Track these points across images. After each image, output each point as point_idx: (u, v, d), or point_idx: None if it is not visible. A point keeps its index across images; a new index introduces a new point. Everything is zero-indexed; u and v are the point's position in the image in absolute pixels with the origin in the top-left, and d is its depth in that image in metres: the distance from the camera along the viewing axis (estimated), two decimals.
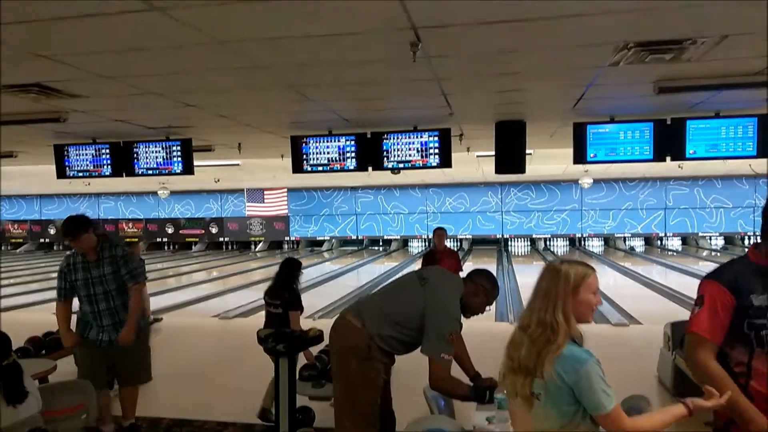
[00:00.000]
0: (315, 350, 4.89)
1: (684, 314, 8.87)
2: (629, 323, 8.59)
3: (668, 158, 5.77)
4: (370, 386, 3.14)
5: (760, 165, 9.81)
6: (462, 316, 3.16)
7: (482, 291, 3.22)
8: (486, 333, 6.79)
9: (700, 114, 5.62)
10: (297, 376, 4.20)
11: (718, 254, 20.11)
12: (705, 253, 20.69)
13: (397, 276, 3.81)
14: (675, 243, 21.95)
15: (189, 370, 6.46)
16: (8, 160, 8.36)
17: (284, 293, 4.92)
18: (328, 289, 12.91)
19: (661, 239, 21.92)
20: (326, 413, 4.26)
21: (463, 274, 3.44)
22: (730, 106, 5.40)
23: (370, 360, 3.11)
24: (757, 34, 3.31)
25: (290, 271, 5.02)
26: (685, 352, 2.42)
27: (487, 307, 3.27)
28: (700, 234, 21.20)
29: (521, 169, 6.25)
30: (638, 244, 22.05)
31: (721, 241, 21.65)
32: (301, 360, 4.56)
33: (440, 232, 7.33)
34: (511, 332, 2.25)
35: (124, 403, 4.48)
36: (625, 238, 21.89)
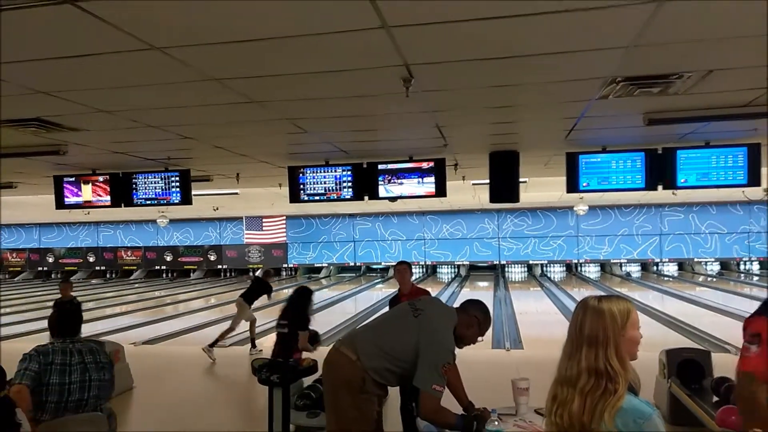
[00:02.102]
0: (309, 380, 4.88)
1: (680, 341, 8.87)
2: None
3: (660, 187, 5.84)
4: (364, 420, 3.11)
5: (753, 191, 9.91)
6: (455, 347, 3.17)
7: (475, 322, 3.22)
8: (482, 361, 6.78)
9: (691, 144, 5.71)
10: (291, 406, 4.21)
11: (714, 279, 20.11)
12: (701, 279, 20.70)
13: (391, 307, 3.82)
14: (671, 268, 21.96)
15: (183, 399, 6.41)
16: (8, 191, 8.41)
17: (292, 315, 5.42)
18: (325, 317, 12.84)
19: (657, 265, 21.95)
20: None
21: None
22: (719, 136, 5.49)
23: (365, 393, 3.09)
24: (741, 69, 3.41)
25: (301, 297, 5.59)
26: (738, 392, 2.40)
27: (479, 338, 3.29)
28: (696, 259, 21.25)
29: (515, 198, 6.32)
30: (634, 270, 22.05)
31: (716, 267, 21.68)
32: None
33: (401, 267, 5.37)
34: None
35: None
36: (621, 264, 21.91)
